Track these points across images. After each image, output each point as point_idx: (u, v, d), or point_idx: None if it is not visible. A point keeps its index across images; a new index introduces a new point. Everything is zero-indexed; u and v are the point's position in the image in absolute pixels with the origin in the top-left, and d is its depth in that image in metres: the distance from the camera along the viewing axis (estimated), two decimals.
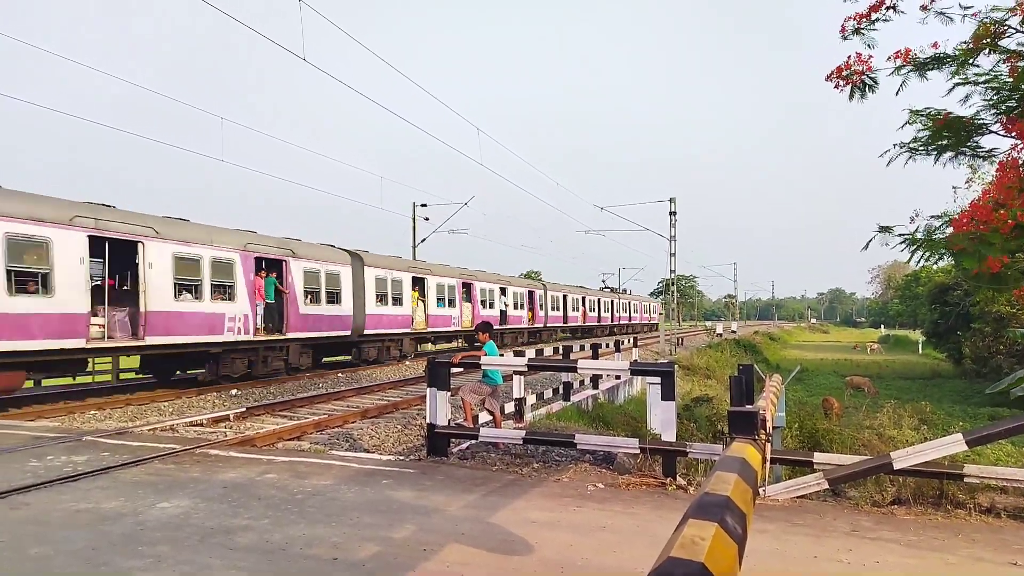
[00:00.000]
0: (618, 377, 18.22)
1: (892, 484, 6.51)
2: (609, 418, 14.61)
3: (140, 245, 14.98)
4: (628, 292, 69.66)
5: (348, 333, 22.09)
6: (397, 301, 25.25)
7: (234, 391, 16.58)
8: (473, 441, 8.59)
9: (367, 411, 13.54)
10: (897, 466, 5.99)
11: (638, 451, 7.38)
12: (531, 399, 13.26)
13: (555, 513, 5.77)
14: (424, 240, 39.86)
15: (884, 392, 27.48)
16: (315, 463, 7.69)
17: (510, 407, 11.81)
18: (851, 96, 9.07)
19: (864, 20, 8.66)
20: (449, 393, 8.58)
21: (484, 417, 10.28)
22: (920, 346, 62.47)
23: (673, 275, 39.06)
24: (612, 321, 58.55)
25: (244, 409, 13.31)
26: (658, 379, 7.69)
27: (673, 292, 42.54)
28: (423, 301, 27.61)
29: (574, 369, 10.79)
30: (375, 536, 5.08)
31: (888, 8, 8.48)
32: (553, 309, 44.01)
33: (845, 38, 8.80)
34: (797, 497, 6.30)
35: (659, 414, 7.61)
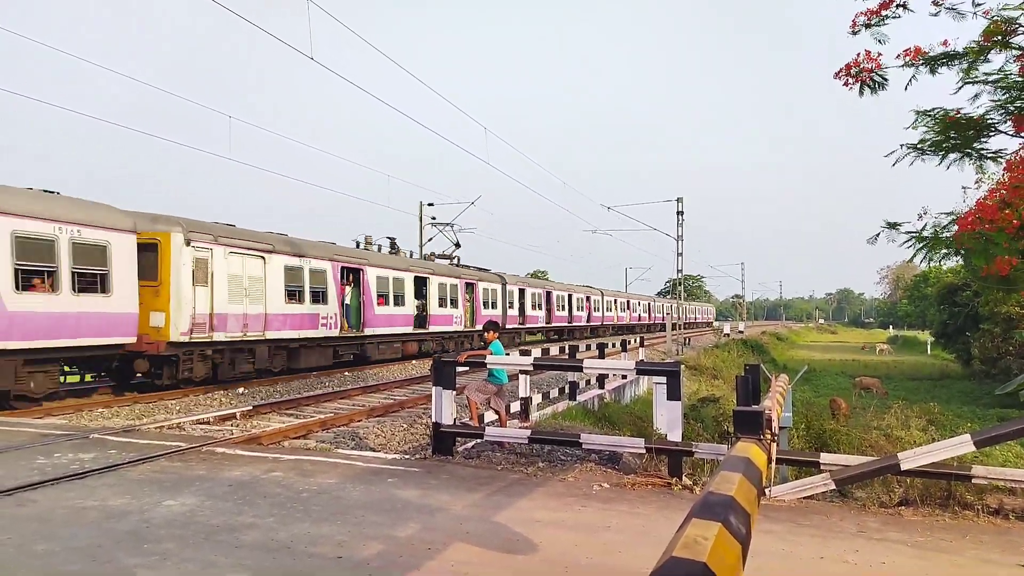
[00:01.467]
0: (624, 377, 18.18)
1: (899, 485, 6.48)
2: (615, 418, 14.58)
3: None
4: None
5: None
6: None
7: (241, 389, 16.63)
8: (478, 440, 8.59)
9: (373, 410, 13.56)
10: (904, 467, 5.96)
11: (644, 451, 7.37)
12: (537, 398, 13.25)
13: (560, 513, 5.76)
14: (431, 240, 39.91)
15: (892, 393, 27.33)
16: (321, 462, 7.70)
17: (516, 406, 11.80)
18: (860, 93, 9.03)
19: (874, 16, 8.62)
20: (455, 392, 8.58)
21: (490, 416, 10.27)
22: (929, 347, 62.17)
23: (680, 275, 38.97)
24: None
25: (251, 407, 13.34)
26: (664, 379, 7.67)
27: (680, 292, 42.48)
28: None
29: (580, 368, 10.77)
30: (380, 535, 5.08)
31: (898, 6, 8.44)
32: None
33: (855, 32, 8.76)
34: (803, 498, 6.27)
35: (665, 414, 7.60)
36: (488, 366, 9.08)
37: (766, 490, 6.10)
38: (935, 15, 8.27)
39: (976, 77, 8.47)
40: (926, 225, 9.05)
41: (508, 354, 10.56)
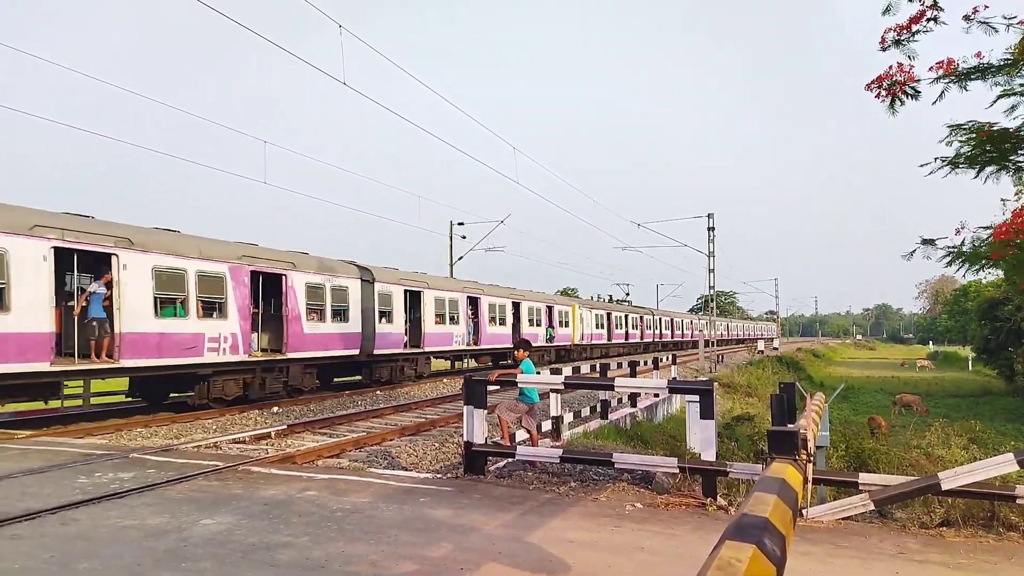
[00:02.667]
0: (656, 395, 18.04)
1: (940, 505, 6.33)
2: (647, 437, 14.46)
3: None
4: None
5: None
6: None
7: (275, 408, 16.83)
8: (510, 459, 8.58)
9: (405, 429, 13.62)
10: (945, 487, 5.82)
11: (677, 470, 7.30)
12: (568, 417, 13.20)
13: (593, 533, 5.73)
14: (461, 258, 40.13)
15: (933, 410, 26.74)
16: (354, 480, 7.75)
17: (547, 425, 11.77)
18: (891, 106, 8.91)
19: (904, 32, 8.52)
20: (486, 411, 8.59)
21: (521, 435, 10.26)
22: (970, 363, 60.69)
23: (712, 291, 38.64)
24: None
25: (285, 427, 13.49)
26: (697, 397, 7.60)
27: (712, 308, 42.08)
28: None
29: (611, 387, 10.72)
30: (413, 554, 5.10)
31: (929, 20, 8.33)
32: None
33: (884, 49, 8.66)
34: (842, 519, 6.15)
35: (698, 433, 7.53)
36: (519, 385, 9.09)
37: (803, 511, 6.01)
38: (966, 30, 8.13)
39: (1012, 89, 8.32)
40: (964, 240, 8.88)
41: (539, 372, 10.55)
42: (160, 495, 7.02)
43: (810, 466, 5.76)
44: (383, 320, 22.68)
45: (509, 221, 37.28)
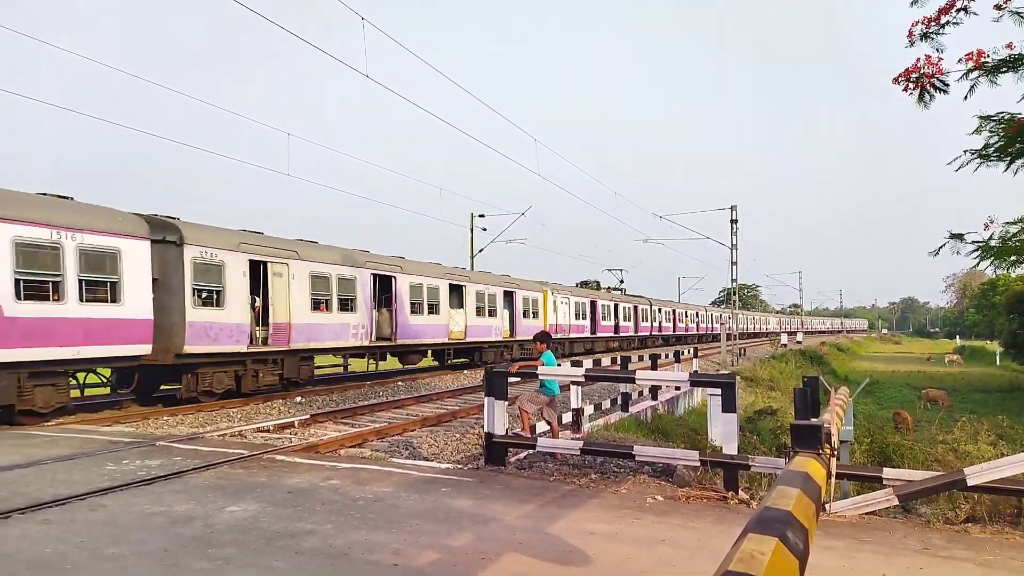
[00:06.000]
0: (678, 388, 17.96)
1: (966, 501, 6.25)
2: (668, 430, 14.40)
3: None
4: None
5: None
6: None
7: (298, 398, 16.99)
8: (531, 451, 8.60)
9: (426, 419, 13.70)
10: (971, 482, 5.74)
11: (698, 464, 7.27)
12: (589, 409, 13.19)
13: (613, 525, 5.73)
14: (482, 251, 40.16)
15: (959, 405, 26.36)
16: (376, 470, 7.82)
17: (567, 417, 11.77)
18: (920, 99, 8.76)
19: (933, 24, 8.35)
20: (507, 403, 8.62)
21: (542, 427, 10.28)
22: (998, 357, 59.71)
23: (735, 284, 38.35)
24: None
25: (308, 416, 13.63)
26: (719, 391, 7.57)
27: (735, 301, 41.76)
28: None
29: (632, 380, 10.70)
30: (434, 543, 5.14)
31: (959, 10, 8.17)
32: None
33: (912, 43, 8.49)
34: (866, 513, 6.10)
35: (720, 426, 7.50)
36: (540, 377, 9.11)
37: (826, 505, 5.96)
38: (997, 20, 7.97)
39: None
40: (993, 235, 8.74)
41: (559, 364, 10.56)
42: (186, 482, 7.13)
43: (833, 460, 5.71)
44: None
45: (530, 213, 36.99)
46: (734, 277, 37.20)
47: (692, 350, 23.83)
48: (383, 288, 22.11)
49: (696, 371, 19.91)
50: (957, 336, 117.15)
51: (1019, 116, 8.35)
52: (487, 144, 23.83)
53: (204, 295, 15.33)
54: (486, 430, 8.34)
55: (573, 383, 11.67)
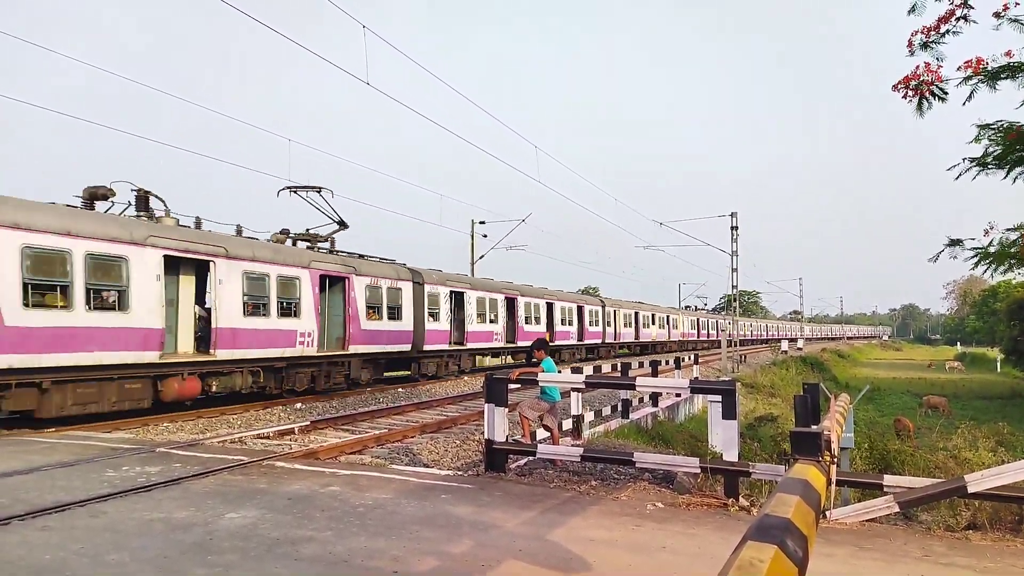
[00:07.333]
0: (678, 395, 17.96)
1: (967, 508, 6.26)
2: (669, 436, 14.42)
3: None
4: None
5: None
6: (538, 320, 32.99)
7: (299, 405, 16.99)
8: (531, 457, 8.59)
9: (426, 426, 13.69)
10: (972, 489, 5.74)
11: (699, 471, 7.27)
12: (589, 416, 13.18)
13: (613, 532, 5.73)
14: (482, 257, 40.16)
15: (960, 412, 26.35)
16: (376, 477, 7.81)
17: (568, 424, 11.77)
18: (919, 107, 8.76)
19: (933, 33, 8.37)
20: (507, 409, 8.61)
21: (542, 434, 10.27)
22: (998, 364, 59.69)
23: (735, 291, 38.36)
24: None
25: (308, 423, 13.62)
26: (719, 397, 7.57)
27: (735, 308, 41.75)
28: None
29: (632, 387, 10.69)
30: (434, 550, 5.13)
31: (959, 19, 8.18)
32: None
33: (911, 53, 8.50)
34: (866, 520, 6.09)
35: (720, 433, 7.49)
36: (540, 383, 9.10)
37: (826, 512, 5.96)
38: (996, 28, 7.98)
39: None
40: (992, 241, 8.75)
41: (560, 371, 10.56)
42: (186, 489, 7.13)
43: (834, 467, 5.71)
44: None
45: (531, 220, 36.89)
46: (735, 284, 37.23)
47: (693, 356, 23.83)
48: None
49: (696, 378, 19.90)
50: (958, 343, 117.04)
51: (1017, 124, 8.36)
52: (487, 151, 23.89)
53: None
54: (486, 436, 8.33)
55: (574, 390, 11.66)
